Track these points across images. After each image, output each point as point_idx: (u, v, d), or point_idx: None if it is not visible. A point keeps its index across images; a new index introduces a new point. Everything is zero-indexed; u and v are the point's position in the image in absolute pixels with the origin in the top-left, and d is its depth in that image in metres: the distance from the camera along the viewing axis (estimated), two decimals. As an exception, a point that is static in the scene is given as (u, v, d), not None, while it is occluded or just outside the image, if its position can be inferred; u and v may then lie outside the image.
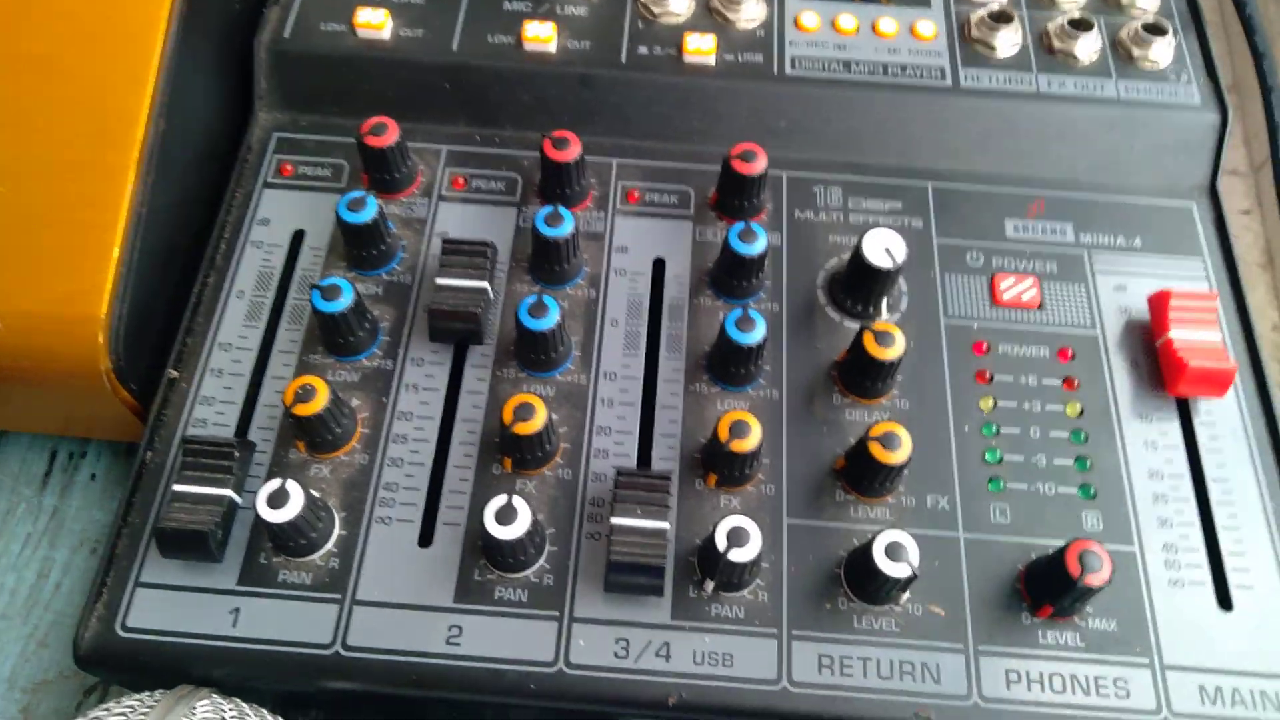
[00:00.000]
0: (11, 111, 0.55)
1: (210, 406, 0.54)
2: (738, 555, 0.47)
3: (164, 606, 0.49)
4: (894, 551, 0.47)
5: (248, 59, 0.63)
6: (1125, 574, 0.51)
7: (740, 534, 0.47)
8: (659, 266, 0.60)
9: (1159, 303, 0.57)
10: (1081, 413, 0.56)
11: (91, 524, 0.61)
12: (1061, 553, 0.48)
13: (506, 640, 0.48)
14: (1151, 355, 0.58)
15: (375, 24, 0.63)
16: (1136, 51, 0.65)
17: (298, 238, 0.60)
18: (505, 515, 0.47)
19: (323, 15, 0.65)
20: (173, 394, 0.55)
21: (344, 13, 0.64)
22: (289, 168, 0.62)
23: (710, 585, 0.49)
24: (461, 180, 0.62)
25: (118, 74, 0.56)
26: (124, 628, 0.48)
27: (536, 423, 0.50)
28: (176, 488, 0.49)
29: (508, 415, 0.50)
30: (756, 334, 0.52)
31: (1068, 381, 0.57)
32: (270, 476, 0.51)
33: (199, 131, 0.61)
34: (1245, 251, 0.78)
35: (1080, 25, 0.65)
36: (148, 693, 0.46)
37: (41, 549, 0.60)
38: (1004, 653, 0.49)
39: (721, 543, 0.47)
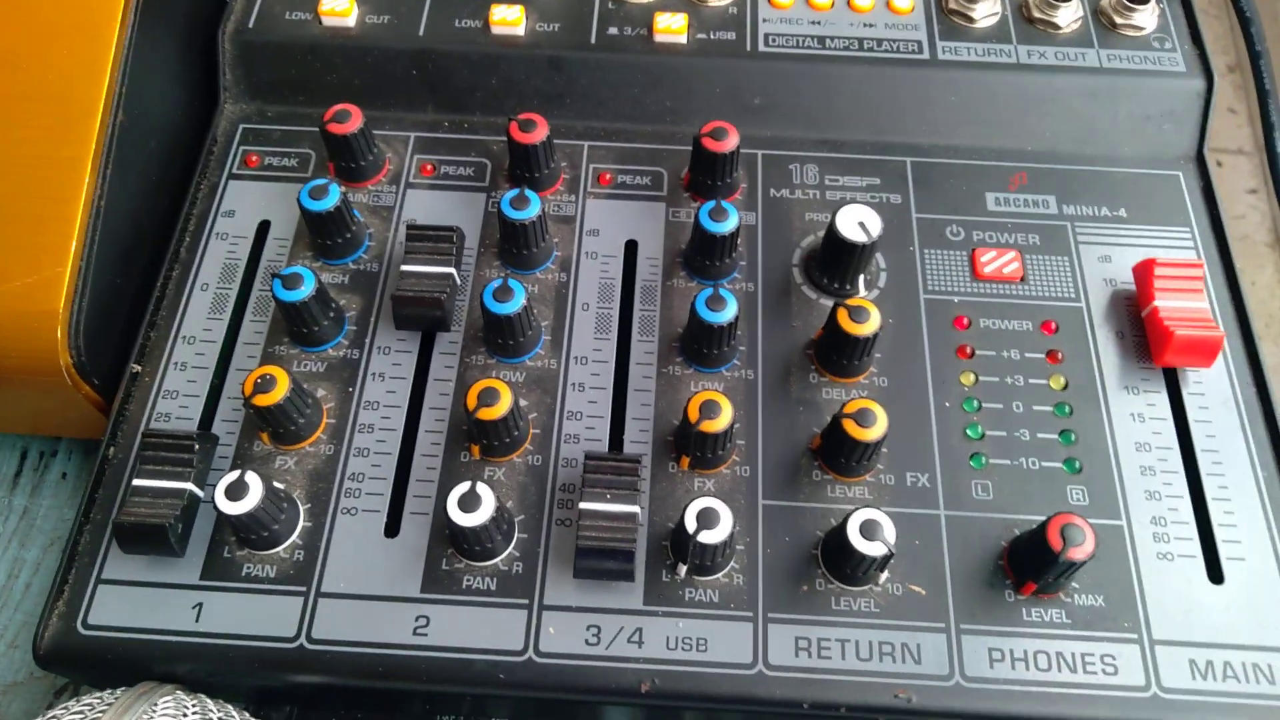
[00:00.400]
0: (-34, 106, 0.54)
1: (174, 400, 0.53)
2: (708, 537, 0.46)
3: (126, 603, 0.48)
4: (869, 530, 0.46)
5: (212, 50, 0.63)
6: (1113, 548, 0.50)
7: (710, 515, 0.46)
8: (631, 249, 0.59)
9: (1144, 271, 0.56)
10: (1066, 386, 0.54)
11: (62, 523, 0.60)
12: (1043, 527, 0.46)
13: (475, 629, 0.47)
14: (1138, 326, 0.56)
15: (340, 11, 0.62)
16: (1119, 19, 0.64)
17: (263, 229, 0.59)
18: (468, 502, 0.46)
19: (287, 4, 0.64)
20: (136, 388, 0.54)
21: (309, 1, 0.63)
22: (255, 159, 0.61)
23: (683, 569, 0.48)
24: (430, 167, 0.61)
25: (75, 66, 0.55)
26: (85, 625, 0.48)
27: (501, 408, 0.48)
28: (136, 482, 0.48)
29: (471, 401, 0.48)
30: (727, 313, 0.51)
31: (1051, 354, 0.55)
32: (233, 469, 0.50)
33: (161, 124, 0.60)
34: (1253, 230, 0.76)
35: (1059, -7, 0.64)
36: (109, 690, 0.45)
37: (11, 549, 0.59)
38: (987, 631, 0.48)
39: (691, 525, 0.46)
